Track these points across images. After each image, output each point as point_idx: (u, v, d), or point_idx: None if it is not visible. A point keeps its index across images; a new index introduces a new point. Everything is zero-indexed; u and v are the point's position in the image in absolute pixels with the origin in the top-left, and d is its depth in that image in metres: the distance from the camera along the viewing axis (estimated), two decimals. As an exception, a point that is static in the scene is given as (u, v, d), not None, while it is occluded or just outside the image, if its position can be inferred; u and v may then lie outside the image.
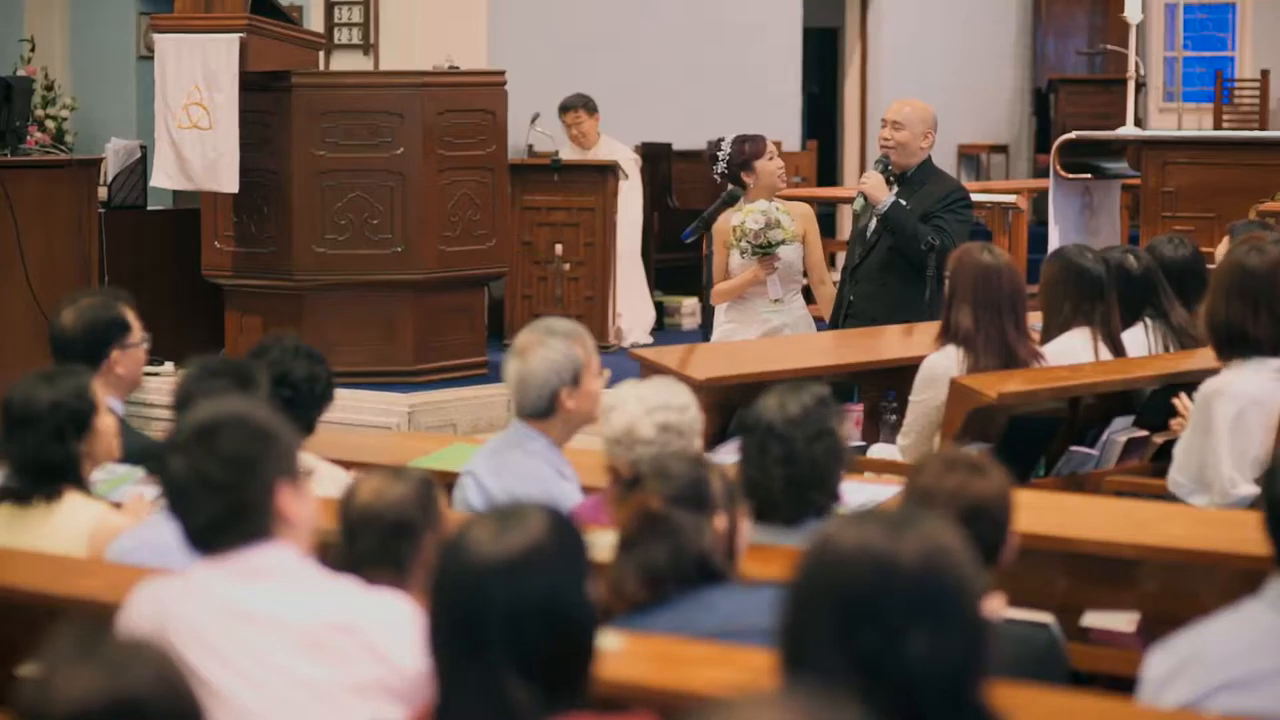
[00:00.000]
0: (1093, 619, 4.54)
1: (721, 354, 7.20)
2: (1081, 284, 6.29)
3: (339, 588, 3.39)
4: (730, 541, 3.73)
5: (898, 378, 6.43)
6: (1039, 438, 6.05)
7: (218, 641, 3.28)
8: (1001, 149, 17.18)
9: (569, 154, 11.80)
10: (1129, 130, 11.10)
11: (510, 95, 10.44)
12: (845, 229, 13.58)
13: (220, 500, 3.31)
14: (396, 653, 3.30)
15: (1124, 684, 4.02)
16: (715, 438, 6.00)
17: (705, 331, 8.50)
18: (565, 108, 11.95)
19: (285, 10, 10.55)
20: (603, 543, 3.60)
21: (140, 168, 10.68)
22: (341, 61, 11.85)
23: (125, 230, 10.51)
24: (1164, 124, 16.96)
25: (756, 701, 2.10)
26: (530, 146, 12.34)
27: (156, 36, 9.96)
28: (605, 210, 11.36)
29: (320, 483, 4.81)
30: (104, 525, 4.45)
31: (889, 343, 7.23)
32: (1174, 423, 5.84)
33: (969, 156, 16.84)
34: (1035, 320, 6.42)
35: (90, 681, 2.32)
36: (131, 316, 5.43)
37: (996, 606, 3.73)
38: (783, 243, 7.69)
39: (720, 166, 7.90)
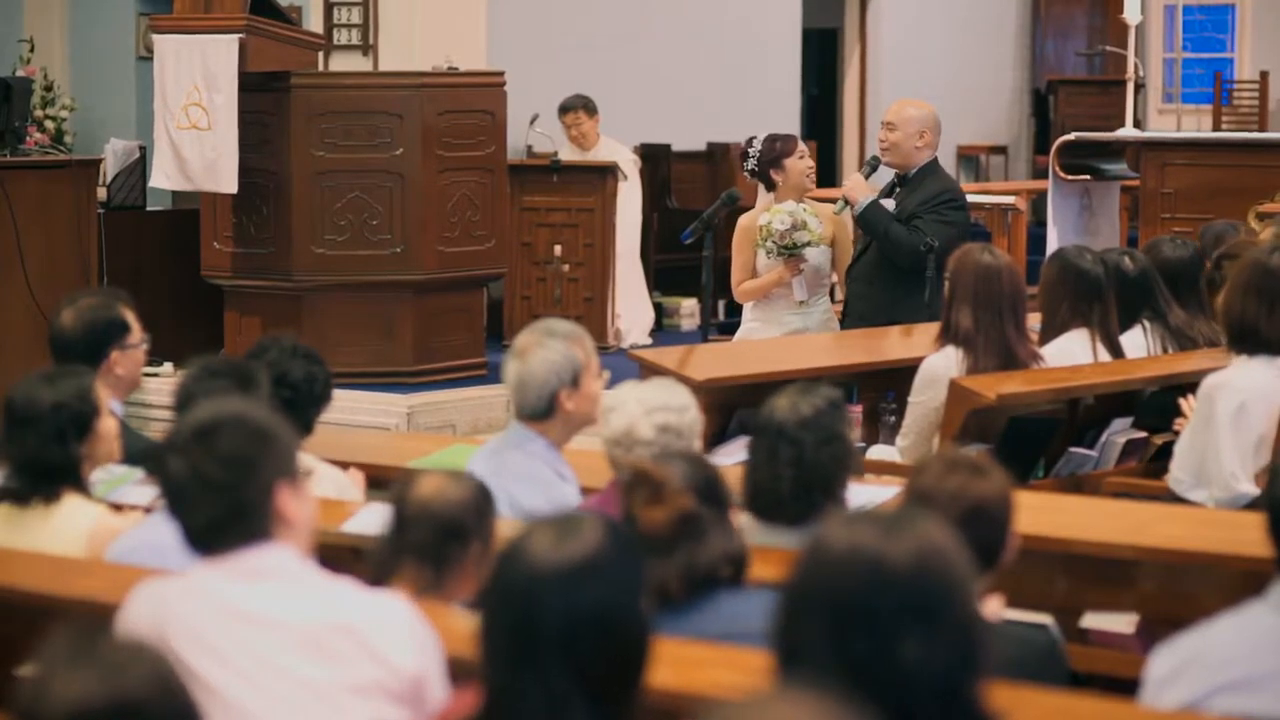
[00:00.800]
0: (1092, 620, 4.54)
1: (720, 355, 7.20)
2: (1080, 285, 6.30)
3: (338, 588, 3.38)
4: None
5: (897, 378, 6.43)
6: (1038, 439, 6.05)
7: (217, 642, 3.28)
8: (1000, 150, 17.18)
9: (568, 155, 11.80)
10: (1128, 131, 11.10)
11: (509, 96, 10.44)
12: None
13: (220, 501, 3.31)
14: (394, 654, 3.30)
15: (1123, 685, 4.02)
16: (714, 438, 6.00)
17: (704, 332, 8.50)
18: (565, 108, 11.95)
19: (284, 11, 10.54)
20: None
21: (139, 168, 10.68)
22: (341, 62, 11.84)
23: (124, 231, 10.51)
24: (1163, 125, 16.96)
25: (764, 702, 2.10)
26: (529, 147, 12.34)
27: (156, 37, 9.96)
28: (604, 211, 11.36)
29: (319, 483, 4.81)
30: (102, 527, 4.44)
31: (888, 344, 7.23)
32: (1178, 422, 5.83)
33: (968, 157, 16.84)
34: (1035, 321, 6.42)
35: (87, 683, 2.32)
36: (131, 317, 5.42)
37: (996, 607, 3.73)
38: (809, 244, 7.67)
39: (751, 164, 7.90)
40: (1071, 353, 6.26)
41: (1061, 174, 10.48)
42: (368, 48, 11.98)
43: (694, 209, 10.99)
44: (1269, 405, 5.42)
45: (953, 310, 6.10)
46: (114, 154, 10.81)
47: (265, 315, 10.04)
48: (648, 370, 6.30)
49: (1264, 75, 17.06)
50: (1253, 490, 5.25)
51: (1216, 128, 16.66)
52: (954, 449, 4.93)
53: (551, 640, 2.70)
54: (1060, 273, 6.35)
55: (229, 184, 9.70)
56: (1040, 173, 15.33)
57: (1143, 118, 16.79)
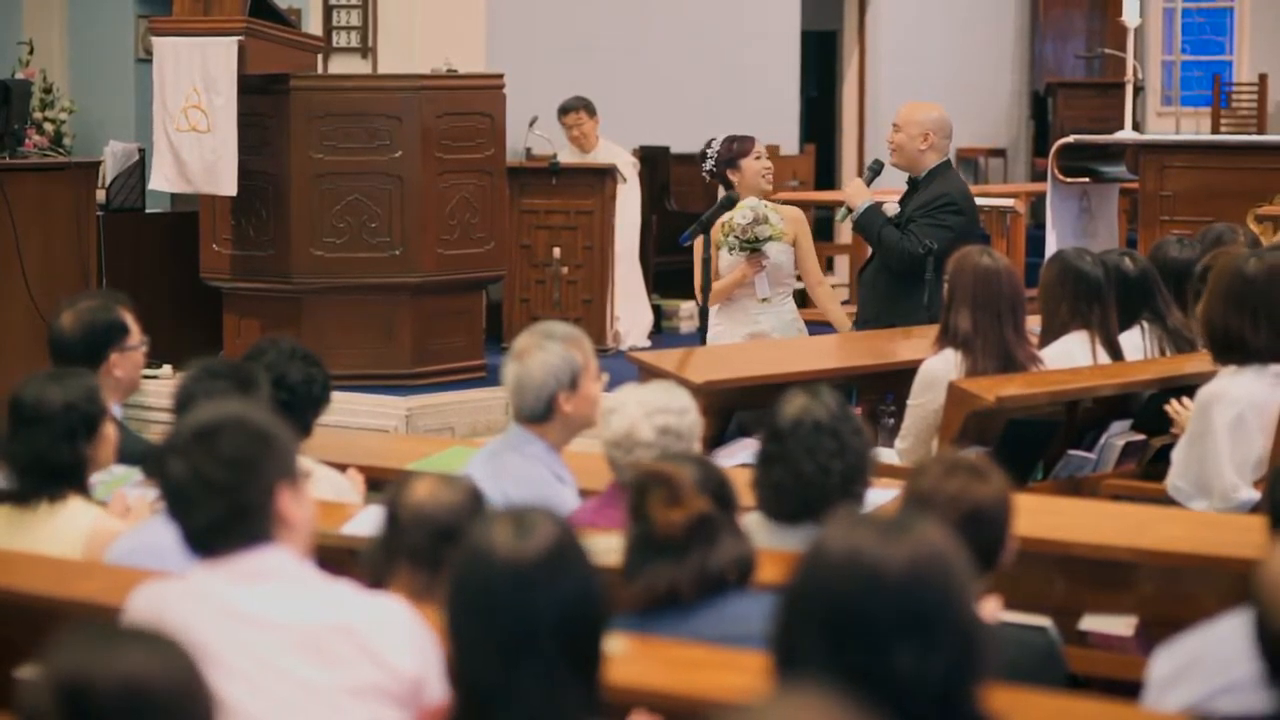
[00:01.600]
0: (1091, 622, 4.54)
1: (720, 357, 7.20)
2: (1080, 287, 6.30)
3: (337, 590, 3.39)
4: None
5: (896, 380, 6.43)
6: (1037, 441, 6.05)
7: (217, 644, 3.27)
8: (1000, 153, 17.19)
9: (567, 157, 11.80)
10: (1127, 134, 11.10)
11: (509, 98, 10.44)
12: (842, 232, 13.59)
13: (220, 502, 3.31)
14: (393, 656, 3.30)
15: (1122, 687, 4.02)
16: (713, 440, 6.00)
17: (703, 334, 8.50)
18: (566, 109, 11.95)
19: (284, 13, 10.54)
20: (606, 547, 3.60)
21: (139, 170, 10.67)
22: (340, 64, 11.84)
23: (124, 233, 10.50)
24: (1162, 128, 16.96)
25: (776, 705, 2.11)
26: (528, 149, 12.34)
27: (155, 39, 9.96)
28: (603, 213, 11.36)
29: (318, 485, 4.81)
30: (101, 529, 4.44)
31: (887, 346, 7.23)
32: (1175, 427, 5.82)
33: (967, 160, 16.84)
34: (1034, 323, 6.42)
35: (134, 660, 2.36)
36: (130, 319, 5.42)
37: (994, 609, 3.73)
38: (770, 239, 7.69)
39: (709, 165, 7.96)
40: (1071, 355, 6.26)
41: (1060, 176, 10.48)
42: (367, 50, 11.98)
43: (693, 211, 11.00)
44: (1266, 415, 5.40)
45: (952, 313, 6.10)
46: (113, 156, 10.81)
47: (264, 317, 10.03)
48: (647, 372, 6.30)
49: (1263, 78, 17.06)
50: (1254, 496, 5.24)
51: (1215, 130, 16.67)
52: (953, 451, 4.93)
53: (549, 630, 2.75)
54: (1060, 275, 6.35)
55: (228, 186, 9.70)
56: (1039, 175, 15.33)
57: (1141, 120, 16.79)
